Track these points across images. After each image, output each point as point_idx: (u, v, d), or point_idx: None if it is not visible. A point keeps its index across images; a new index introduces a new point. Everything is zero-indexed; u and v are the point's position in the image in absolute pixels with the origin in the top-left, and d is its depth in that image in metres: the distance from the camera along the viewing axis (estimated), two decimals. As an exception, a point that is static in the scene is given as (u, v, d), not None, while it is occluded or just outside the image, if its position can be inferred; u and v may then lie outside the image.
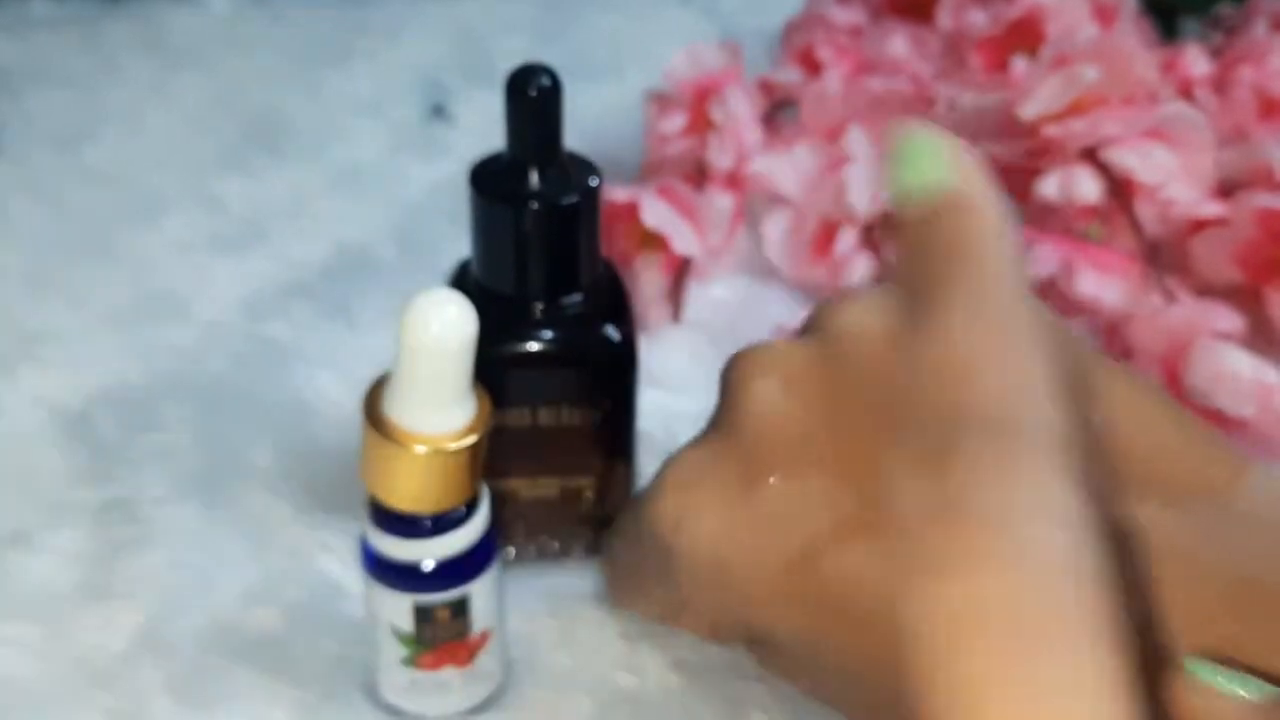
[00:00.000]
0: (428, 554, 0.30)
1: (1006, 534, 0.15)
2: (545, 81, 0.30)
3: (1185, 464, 0.24)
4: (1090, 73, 0.42)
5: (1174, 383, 0.39)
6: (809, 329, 0.28)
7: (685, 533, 0.27)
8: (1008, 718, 0.14)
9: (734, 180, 0.47)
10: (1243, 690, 0.21)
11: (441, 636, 0.30)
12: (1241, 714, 0.20)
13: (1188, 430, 0.25)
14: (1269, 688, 0.21)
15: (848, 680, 0.25)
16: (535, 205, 0.31)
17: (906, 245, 0.18)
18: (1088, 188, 0.42)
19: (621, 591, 0.32)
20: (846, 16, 0.53)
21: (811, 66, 0.51)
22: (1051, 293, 0.41)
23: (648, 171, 0.49)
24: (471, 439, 0.28)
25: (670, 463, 0.28)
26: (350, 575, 0.36)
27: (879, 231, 0.45)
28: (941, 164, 0.19)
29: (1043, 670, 0.14)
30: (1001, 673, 0.14)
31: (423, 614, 0.30)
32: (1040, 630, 0.15)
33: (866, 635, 0.24)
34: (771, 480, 0.26)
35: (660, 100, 0.50)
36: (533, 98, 0.31)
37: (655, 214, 0.43)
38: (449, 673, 0.31)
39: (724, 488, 0.26)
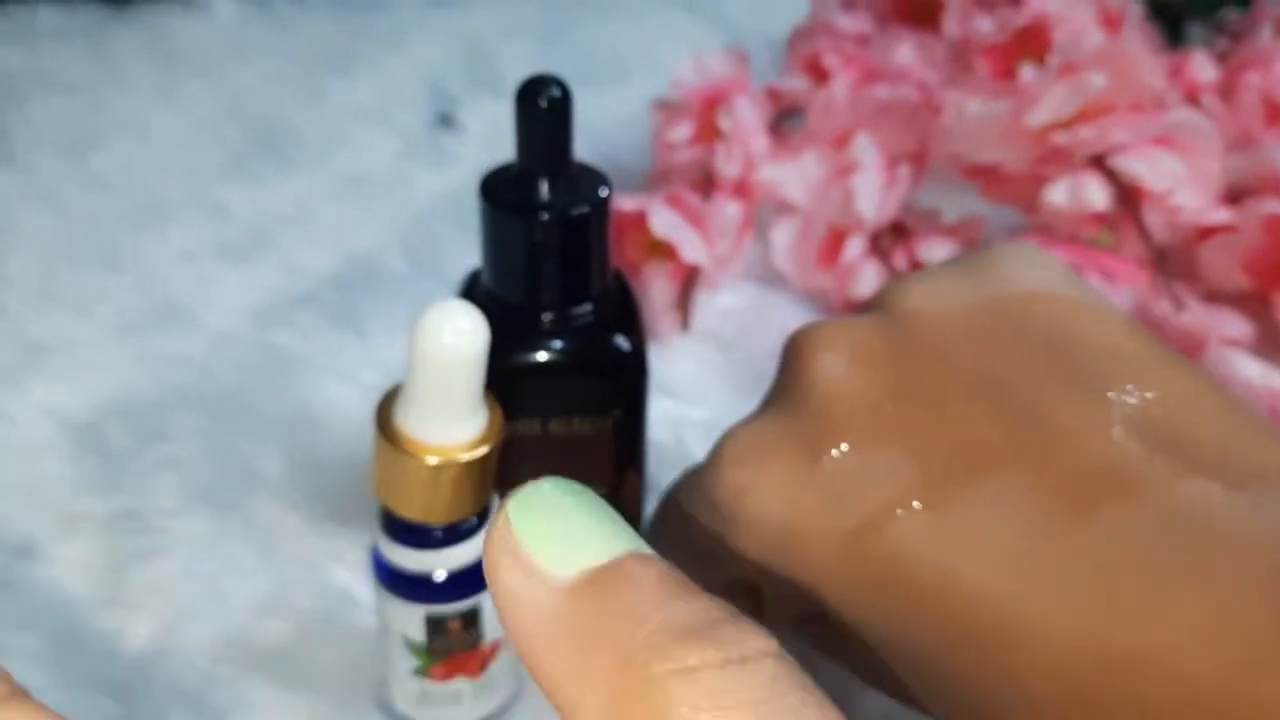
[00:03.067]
0: (439, 565, 0.30)
1: None
2: (555, 92, 0.30)
3: (1242, 447, 0.24)
4: (1098, 80, 0.42)
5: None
6: (874, 306, 0.28)
7: (749, 504, 0.26)
8: None
9: (742, 188, 0.47)
10: None
11: (453, 647, 0.30)
12: None
13: (1241, 415, 0.25)
14: None
15: (901, 659, 0.25)
16: (546, 216, 0.31)
17: None
18: (1096, 195, 0.42)
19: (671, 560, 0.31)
20: (853, 24, 0.53)
21: (818, 74, 0.51)
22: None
23: (655, 180, 0.49)
24: (483, 450, 0.28)
25: (730, 435, 0.28)
26: (361, 585, 0.36)
27: (886, 238, 0.45)
28: None
29: None
30: None
31: (434, 625, 0.30)
32: None
33: (924, 611, 0.24)
34: (838, 451, 0.26)
35: (667, 108, 0.50)
36: (543, 108, 0.31)
37: (664, 223, 0.43)
38: (460, 683, 0.31)
39: (788, 460, 0.26)
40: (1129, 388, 0.25)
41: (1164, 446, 0.24)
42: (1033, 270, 0.27)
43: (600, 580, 0.18)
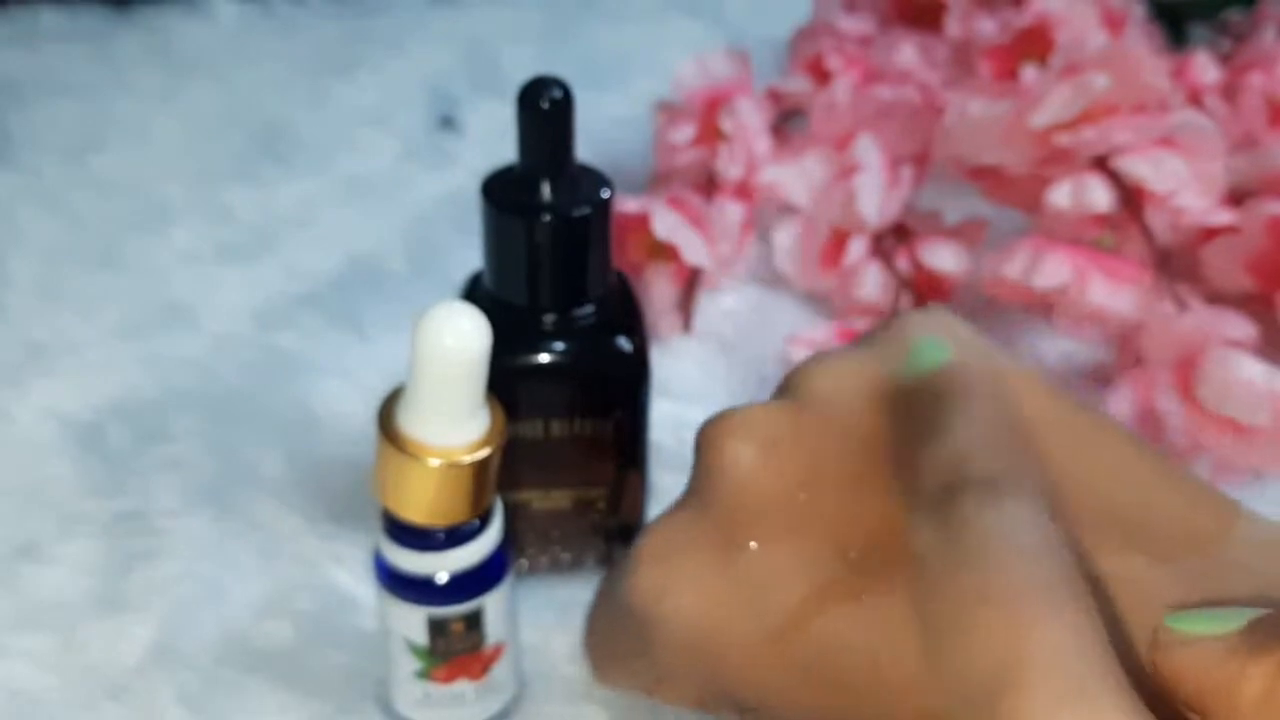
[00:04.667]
0: (441, 567, 0.29)
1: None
2: (557, 94, 0.30)
3: (1171, 516, 0.24)
4: (1101, 81, 0.42)
5: (1186, 391, 0.39)
6: (783, 391, 0.27)
7: (667, 605, 0.26)
8: None
9: (744, 190, 0.47)
10: (1225, 625, 0.21)
11: (455, 649, 0.30)
12: (1230, 648, 0.20)
13: (1173, 480, 0.25)
14: (1250, 611, 0.21)
15: None
16: (547, 217, 0.31)
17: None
18: (1099, 196, 0.42)
19: (601, 663, 0.30)
20: (855, 25, 0.53)
21: (820, 76, 0.51)
22: (1063, 302, 0.41)
23: (657, 181, 0.49)
24: (485, 452, 0.28)
25: (646, 533, 0.27)
26: (362, 587, 0.35)
27: (888, 240, 0.45)
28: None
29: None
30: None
31: (436, 627, 0.30)
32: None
33: (854, 699, 0.24)
34: (751, 546, 0.25)
35: (669, 110, 0.50)
36: (545, 110, 0.31)
37: (666, 224, 0.43)
38: (463, 685, 0.31)
39: (703, 556, 0.26)
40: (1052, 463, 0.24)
41: (1088, 521, 0.24)
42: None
43: None
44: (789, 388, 0.27)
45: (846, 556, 0.24)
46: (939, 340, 0.26)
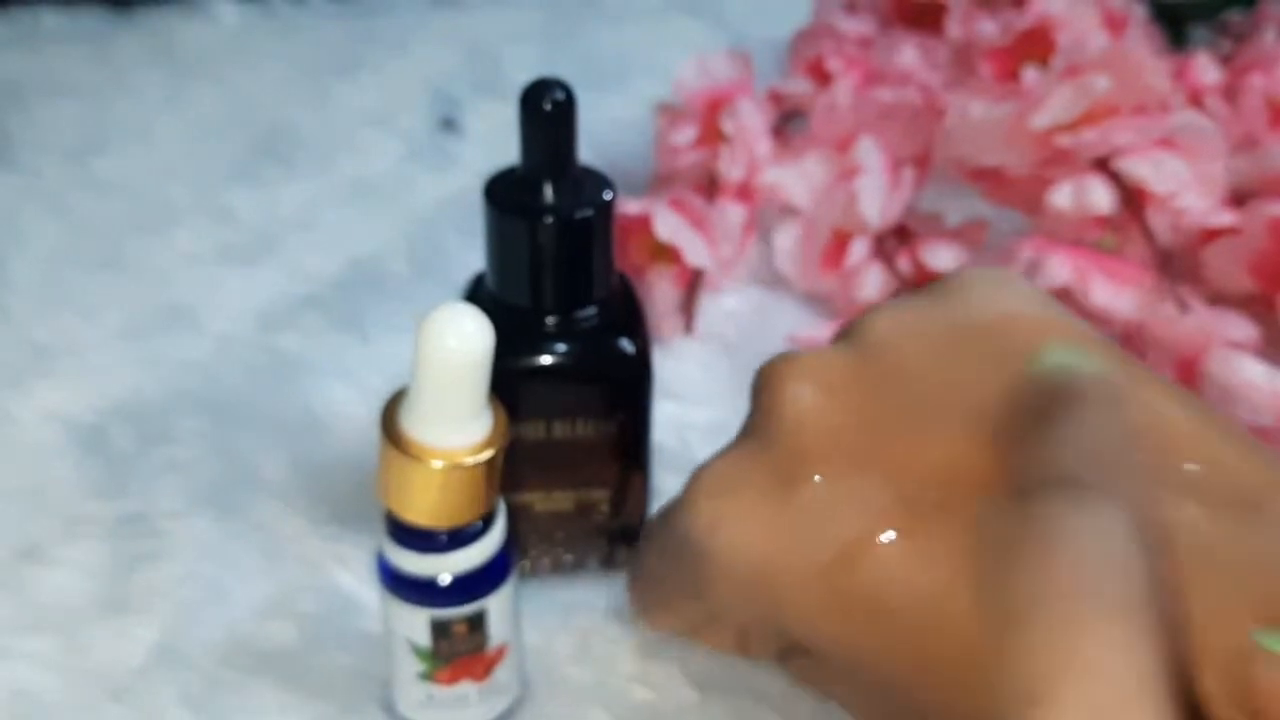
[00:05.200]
0: (444, 568, 0.29)
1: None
2: (560, 95, 0.31)
3: (1226, 470, 0.24)
4: (1102, 82, 0.42)
5: (1188, 392, 0.39)
6: (843, 336, 0.28)
7: (722, 538, 0.26)
8: None
9: (745, 191, 0.47)
10: None
11: (459, 651, 0.30)
12: None
13: (1230, 438, 0.25)
14: None
15: (884, 689, 0.25)
16: (550, 219, 0.31)
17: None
18: (1100, 197, 0.42)
19: (647, 605, 0.31)
20: (855, 27, 0.53)
21: (821, 77, 0.51)
22: (1065, 303, 0.41)
23: (658, 183, 0.49)
24: (488, 453, 0.28)
25: (703, 470, 0.28)
26: (365, 588, 0.36)
27: (889, 242, 0.45)
28: None
29: None
30: None
31: (440, 628, 0.30)
32: None
33: (904, 638, 0.24)
34: (811, 481, 0.26)
35: (670, 112, 0.50)
36: (547, 111, 0.31)
37: (667, 226, 0.43)
38: (466, 687, 0.31)
39: (761, 492, 0.26)
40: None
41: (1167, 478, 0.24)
42: (1003, 294, 0.27)
43: None
44: (849, 334, 0.28)
45: (904, 496, 0.25)
46: (1075, 350, 0.26)
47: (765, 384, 0.27)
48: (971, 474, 0.24)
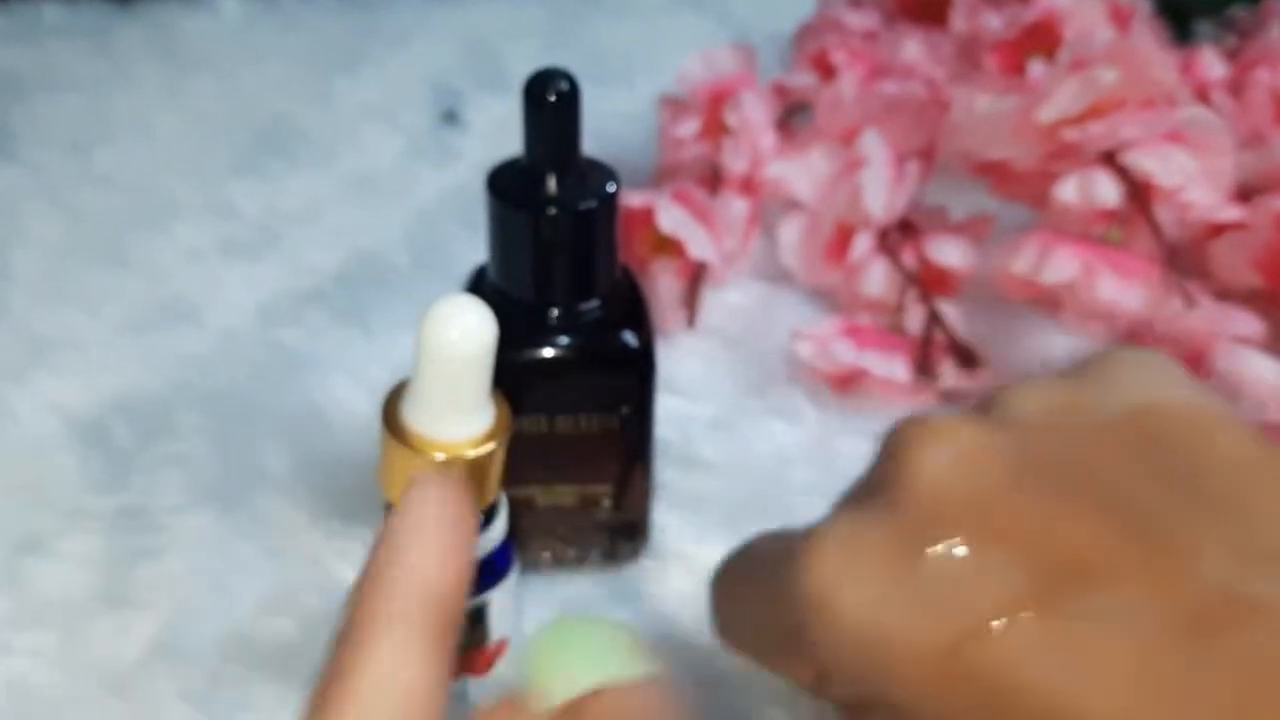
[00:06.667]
0: (446, 562, 0.29)
1: None
2: (564, 86, 0.30)
3: None
4: (1108, 75, 0.41)
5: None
6: (982, 407, 0.27)
7: (842, 600, 0.25)
8: None
9: (749, 185, 0.47)
10: None
11: (459, 645, 0.30)
12: None
13: None
14: None
15: None
16: (553, 211, 0.31)
17: None
18: (1107, 191, 0.42)
19: (730, 627, 0.30)
20: (860, 20, 0.53)
21: (825, 70, 0.51)
22: (1070, 297, 0.41)
23: (661, 176, 0.49)
24: (490, 446, 0.28)
25: (825, 524, 0.26)
26: (367, 583, 0.35)
27: (894, 235, 0.45)
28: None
29: None
30: None
31: (441, 622, 0.30)
32: None
33: None
34: (940, 550, 0.24)
35: (674, 105, 0.50)
36: (551, 103, 0.30)
37: (671, 219, 0.43)
38: (467, 682, 0.31)
39: (886, 556, 0.25)
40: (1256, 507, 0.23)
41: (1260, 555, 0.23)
42: (1153, 379, 0.26)
43: None
44: (989, 405, 0.27)
45: (1038, 578, 0.23)
46: None
47: (898, 443, 0.26)
48: (1111, 565, 0.23)
